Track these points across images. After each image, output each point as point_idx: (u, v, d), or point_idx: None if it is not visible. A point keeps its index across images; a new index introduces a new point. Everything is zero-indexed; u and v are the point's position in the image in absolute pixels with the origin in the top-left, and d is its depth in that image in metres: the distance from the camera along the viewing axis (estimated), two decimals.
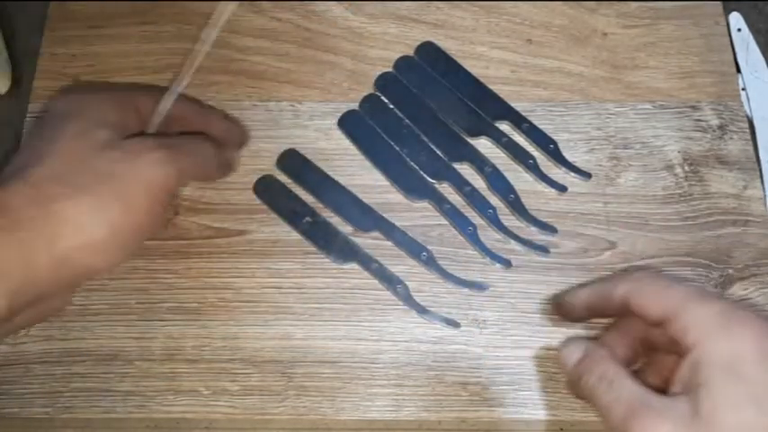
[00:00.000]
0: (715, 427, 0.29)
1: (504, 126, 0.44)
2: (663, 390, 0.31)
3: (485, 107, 0.44)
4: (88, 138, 0.33)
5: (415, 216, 0.42)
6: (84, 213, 0.31)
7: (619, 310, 0.35)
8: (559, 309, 0.39)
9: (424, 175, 0.43)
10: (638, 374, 0.34)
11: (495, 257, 0.41)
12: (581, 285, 0.38)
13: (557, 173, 0.43)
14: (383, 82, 0.45)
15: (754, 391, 0.29)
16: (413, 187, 0.42)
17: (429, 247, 0.41)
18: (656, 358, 0.35)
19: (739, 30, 0.47)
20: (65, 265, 0.31)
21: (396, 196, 0.42)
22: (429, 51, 0.46)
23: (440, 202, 0.42)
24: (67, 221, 0.31)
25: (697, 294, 0.32)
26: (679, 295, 0.32)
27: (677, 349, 0.31)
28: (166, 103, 0.37)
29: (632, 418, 0.30)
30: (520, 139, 0.44)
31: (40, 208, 0.30)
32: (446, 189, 0.42)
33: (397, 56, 0.46)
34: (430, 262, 0.40)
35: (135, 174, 0.32)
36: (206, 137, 0.38)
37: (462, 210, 0.42)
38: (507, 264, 0.41)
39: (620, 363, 0.33)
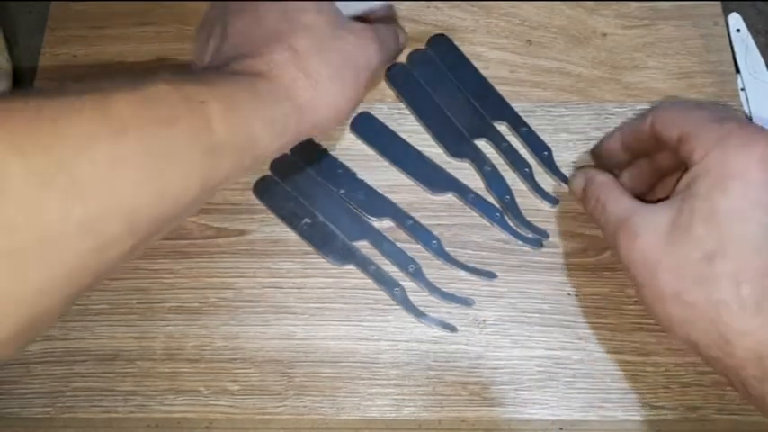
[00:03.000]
0: (687, 240, 0.30)
1: (503, 127, 0.44)
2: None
3: (487, 106, 0.44)
4: (326, 14, 0.35)
5: (426, 214, 0.42)
6: (338, 89, 0.34)
7: (650, 143, 0.36)
8: (599, 156, 0.41)
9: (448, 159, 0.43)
10: (657, 191, 0.37)
11: (525, 239, 0.41)
12: (611, 132, 0.40)
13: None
14: (395, 74, 0.45)
15: (738, 207, 0.30)
16: (434, 180, 0.43)
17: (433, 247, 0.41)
18: (671, 180, 0.36)
19: (738, 30, 0.47)
20: (316, 130, 0.34)
21: (399, 196, 0.42)
22: (441, 44, 0.46)
23: (463, 192, 0.42)
24: (327, 94, 0.34)
25: (713, 116, 0.33)
26: (697, 117, 0.33)
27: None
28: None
29: (617, 231, 0.33)
30: (518, 144, 0.44)
31: (310, 79, 0.33)
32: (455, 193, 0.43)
33: None
34: (417, 274, 0.40)
35: (365, 62, 0.36)
36: (386, 24, 0.40)
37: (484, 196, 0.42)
38: (538, 243, 0.41)
39: (620, 186, 0.36)
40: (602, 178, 0.37)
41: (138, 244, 0.26)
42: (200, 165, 0.28)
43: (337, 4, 0.37)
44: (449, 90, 0.45)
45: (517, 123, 0.44)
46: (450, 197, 0.42)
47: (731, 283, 0.30)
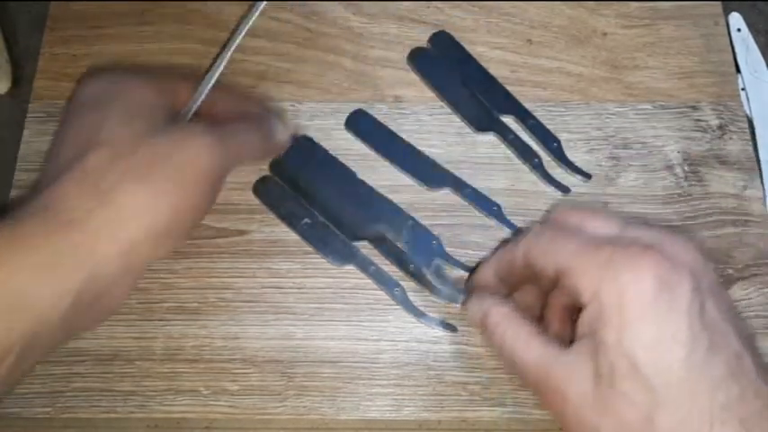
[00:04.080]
0: (617, 398, 0.27)
1: (510, 120, 0.44)
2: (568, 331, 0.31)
3: (493, 100, 0.44)
4: (134, 124, 0.32)
5: (425, 215, 0.42)
6: (143, 202, 0.30)
7: (527, 273, 0.33)
8: (476, 286, 0.37)
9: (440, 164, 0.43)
10: (543, 319, 0.34)
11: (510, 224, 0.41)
12: (485, 260, 0.37)
13: (557, 172, 0.43)
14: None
15: (655, 354, 0.27)
16: (430, 176, 0.43)
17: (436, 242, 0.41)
18: (560, 301, 0.34)
19: (739, 30, 0.47)
20: (128, 256, 0.30)
21: (399, 196, 0.42)
22: (443, 41, 0.46)
23: (461, 187, 0.42)
24: (128, 211, 0.30)
25: (584, 245, 0.30)
26: (568, 250, 0.30)
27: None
28: (204, 89, 0.37)
29: (541, 386, 0.30)
30: (525, 136, 0.44)
31: (99, 200, 0.30)
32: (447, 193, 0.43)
33: (397, 55, 0.46)
34: (417, 274, 0.40)
35: (188, 159, 0.32)
36: (248, 120, 0.38)
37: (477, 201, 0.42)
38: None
39: (524, 319, 0.32)
40: (503, 311, 0.33)
41: None
42: None
43: (182, 112, 0.35)
44: (453, 86, 0.45)
45: (524, 116, 0.44)
46: (446, 192, 0.42)
47: None
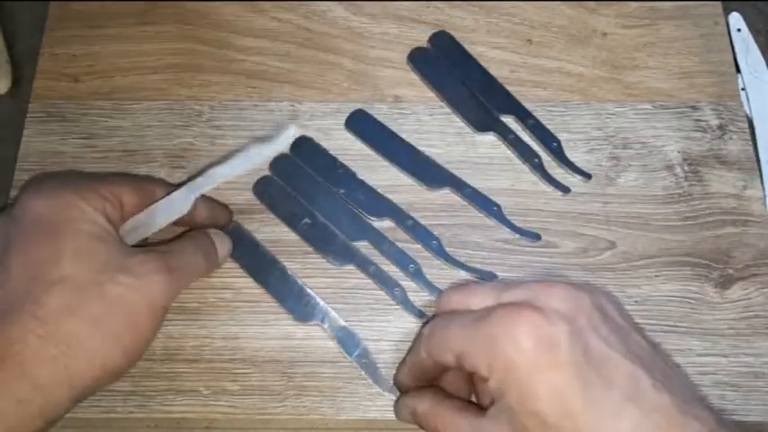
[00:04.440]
0: None
1: (510, 120, 0.44)
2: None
3: (492, 100, 0.44)
4: (89, 257, 0.31)
5: (425, 215, 0.42)
6: (102, 347, 0.31)
7: (438, 368, 0.34)
8: (398, 387, 0.37)
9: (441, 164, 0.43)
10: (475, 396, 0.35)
11: (524, 233, 0.41)
12: (402, 361, 0.37)
13: (557, 172, 0.43)
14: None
15: (554, 406, 0.28)
16: (430, 176, 0.43)
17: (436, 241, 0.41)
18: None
19: (739, 30, 0.47)
20: (79, 397, 0.31)
21: (399, 196, 0.42)
22: (443, 41, 0.46)
23: (461, 187, 0.42)
24: (86, 356, 0.31)
25: (468, 327, 0.31)
26: (457, 337, 0.31)
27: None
28: (158, 220, 0.36)
29: None
30: (525, 136, 0.44)
31: (59, 346, 0.30)
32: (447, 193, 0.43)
33: (397, 55, 0.46)
34: (417, 274, 0.40)
35: (143, 299, 0.32)
36: (196, 240, 0.37)
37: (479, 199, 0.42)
38: (537, 237, 0.41)
39: (448, 402, 0.33)
40: (426, 405, 0.34)
41: None
42: None
43: (122, 228, 0.34)
44: (453, 85, 0.45)
45: (524, 116, 0.44)
46: (446, 192, 0.42)
47: None
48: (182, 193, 0.37)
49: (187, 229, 0.39)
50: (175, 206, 0.37)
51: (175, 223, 0.37)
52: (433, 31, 0.46)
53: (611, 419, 0.28)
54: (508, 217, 0.42)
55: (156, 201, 0.37)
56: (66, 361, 0.30)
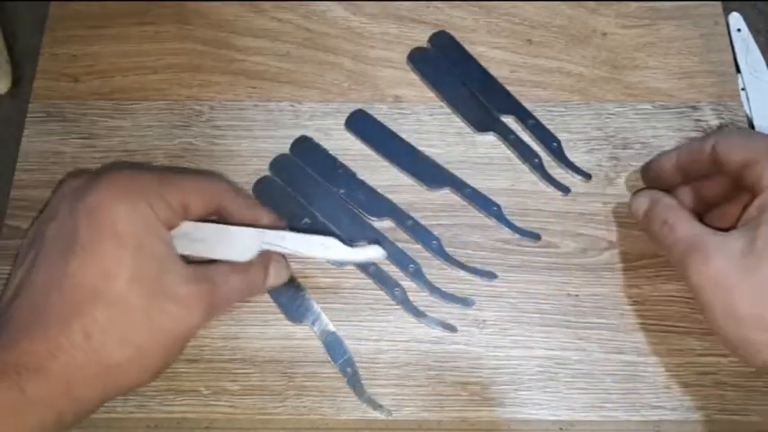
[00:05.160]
0: (764, 265, 0.30)
1: (510, 120, 0.44)
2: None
3: (492, 100, 0.44)
4: (146, 280, 0.31)
5: (425, 215, 0.42)
6: (137, 372, 0.32)
7: (707, 163, 0.36)
8: (649, 173, 0.41)
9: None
10: (705, 221, 0.36)
11: (524, 233, 0.41)
12: (667, 151, 0.40)
13: (557, 172, 0.43)
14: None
15: None
16: (430, 176, 0.43)
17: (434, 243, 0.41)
18: (727, 208, 0.37)
19: (739, 30, 0.47)
20: (92, 411, 0.32)
21: (399, 196, 0.42)
22: (443, 41, 0.46)
23: (461, 187, 0.42)
24: (122, 378, 0.32)
25: None
26: (763, 144, 0.33)
27: (752, 196, 0.33)
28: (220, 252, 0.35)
29: (688, 255, 0.33)
30: (525, 136, 0.44)
31: (100, 366, 0.30)
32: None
33: (397, 55, 0.46)
34: (417, 274, 0.40)
35: (184, 331, 0.33)
36: (249, 274, 0.36)
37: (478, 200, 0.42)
38: (537, 237, 0.41)
39: (686, 209, 0.36)
40: (669, 200, 0.37)
41: None
42: None
43: (179, 243, 0.33)
44: (453, 85, 0.45)
45: (524, 116, 0.44)
46: (446, 192, 0.42)
47: None
48: (250, 236, 0.35)
49: None
50: (237, 249, 0.35)
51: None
52: (433, 30, 0.46)
53: None
54: (508, 217, 0.42)
55: (222, 204, 0.35)
56: (105, 380, 0.31)
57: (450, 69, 0.45)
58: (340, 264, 0.41)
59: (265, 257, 0.37)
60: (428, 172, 0.43)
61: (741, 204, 0.34)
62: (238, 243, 0.35)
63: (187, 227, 0.35)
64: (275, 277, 0.38)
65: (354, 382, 0.38)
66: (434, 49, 0.46)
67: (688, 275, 0.33)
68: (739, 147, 0.34)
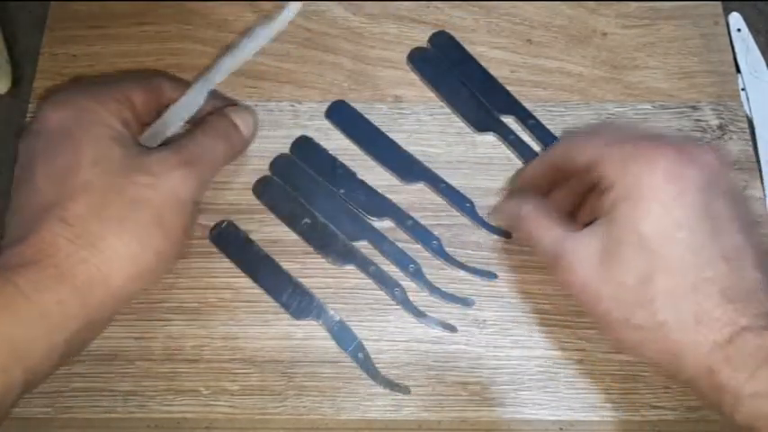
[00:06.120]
0: (618, 266, 0.31)
1: (510, 120, 0.44)
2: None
3: (492, 100, 0.44)
4: (109, 161, 0.32)
5: (425, 215, 0.42)
6: (130, 246, 0.32)
7: (561, 174, 0.37)
8: (522, 180, 0.41)
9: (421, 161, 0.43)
10: (575, 216, 0.38)
11: (495, 231, 0.41)
12: (521, 170, 0.41)
13: None
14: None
15: (659, 230, 0.30)
16: (406, 169, 0.43)
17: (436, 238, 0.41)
18: (594, 199, 0.37)
19: (739, 30, 0.47)
20: (119, 298, 0.32)
21: (399, 196, 0.42)
22: (442, 41, 0.46)
23: (436, 182, 0.42)
24: (117, 257, 0.31)
25: (615, 138, 0.33)
26: (600, 142, 0.34)
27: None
28: (174, 119, 0.36)
29: (554, 265, 0.34)
30: (525, 136, 0.44)
31: (89, 248, 0.30)
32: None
33: (397, 55, 0.46)
34: (417, 274, 0.40)
35: (166, 196, 0.33)
36: (211, 124, 0.37)
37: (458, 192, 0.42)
38: (508, 236, 0.41)
39: (547, 210, 0.36)
40: (527, 209, 0.37)
41: None
42: None
43: (144, 136, 0.34)
44: (453, 85, 0.45)
45: (524, 116, 0.44)
46: (421, 187, 0.42)
47: (668, 303, 0.30)
48: (195, 90, 0.36)
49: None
50: (190, 105, 0.36)
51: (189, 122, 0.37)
52: (433, 30, 0.46)
53: (700, 264, 0.30)
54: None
55: (166, 95, 0.36)
56: (98, 262, 0.31)
57: (449, 69, 0.45)
58: (335, 263, 0.41)
59: (223, 111, 0.38)
60: (404, 166, 0.43)
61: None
62: (189, 102, 0.36)
63: (147, 132, 0.36)
64: (243, 122, 0.38)
65: (368, 366, 0.38)
66: (434, 49, 0.46)
67: (561, 283, 0.34)
68: (579, 151, 0.35)
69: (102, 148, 0.32)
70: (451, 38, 0.46)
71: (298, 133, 0.44)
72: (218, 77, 0.37)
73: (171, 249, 0.33)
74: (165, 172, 0.33)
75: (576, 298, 0.33)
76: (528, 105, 0.44)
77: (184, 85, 0.38)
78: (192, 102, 0.36)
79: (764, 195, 0.42)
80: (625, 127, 0.37)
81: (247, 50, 0.37)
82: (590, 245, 0.32)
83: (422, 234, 0.41)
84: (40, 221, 0.31)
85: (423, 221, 0.42)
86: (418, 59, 0.45)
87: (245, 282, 0.41)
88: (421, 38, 0.46)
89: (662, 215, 0.30)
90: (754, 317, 0.29)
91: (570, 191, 0.38)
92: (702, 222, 0.30)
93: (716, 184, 0.32)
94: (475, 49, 0.46)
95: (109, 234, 0.31)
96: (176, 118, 0.36)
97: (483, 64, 0.45)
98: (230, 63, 0.37)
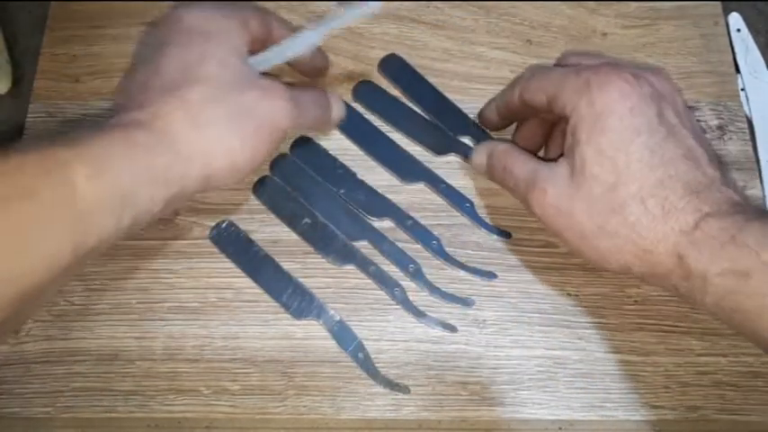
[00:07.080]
0: (587, 181, 0.33)
1: (467, 140, 0.44)
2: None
3: (448, 121, 0.44)
4: (232, 69, 0.34)
5: (425, 215, 0.42)
6: (230, 142, 0.33)
7: (525, 110, 0.38)
8: (482, 120, 0.43)
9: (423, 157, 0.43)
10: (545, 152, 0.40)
11: (494, 230, 0.42)
12: (491, 99, 0.42)
13: None
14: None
15: (618, 139, 0.32)
16: (406, 169, 0.43)
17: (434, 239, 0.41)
18: (559, 135, 0.39)
19: (738, 30, 0.47)
20: (209, 181, 0.33)
21: (399, 196, 0.42)
22: (392, 65, 0.46)
23: (435, 182, 0.42)
24: (218, 147, 0.33)
25: (572, 71, 0.35)
26: (557, 77, 0.35)
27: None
28: (282, 53, 0.37)
29: (528, 191, 0.35)
30: None
31: (198, 129, 0.32)
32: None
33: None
34: (417, 274, 0.40)
35: (269, 116, 0.35)
36: (315, 92, 0.39)
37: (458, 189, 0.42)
38: (508, 235, 0.41)
39: (521, 150, 0.38)
40: (503, 147, 0.38)
41: (7, 317, 0.26)
42: (70, 232, 0.27)
43: (252, 59, 0.36)
44: (405, 113, 0.44)
45: (480, 136, 0.43)
46: (421, 187, 0.43)
47: (637, 202, 0.32)
48: (302, 36, 0.37)
49: None
50: (296, 47, 0.37)
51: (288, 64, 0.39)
52: (433, 31, 0.46)
53: (661, 163, 0.32)
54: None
55: (274, 33, 0.38)
56: (204, 143, 0.32)
57: (396, 100, 0.45)
58: (335, 263, 0.41)
59: (326, 94, 0.40)
60: (404, 166, 0.43)
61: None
62: (301, 41, 0.37)
63: (260, 56, 0.37)
64: (337, 106, 0.40)
65: (368, 366, 0.39)
66: (385, 73, 0.45)
67: (533, 210, 0.35)
68: (539, 88, 0.36)
69: (227, 53, 0.34)
70: (402, 60, 0.45)
71: (298, 133, 0.44)
72: (324, 30, 0.38)
73: (258, 157, 0.35)
74: (273, 97, 0.35)
75: (550, 223, 0.35)
76: None
77: (291, 28, 0.40)
78: (297, 45, 0.37)
79: (764, 195, 0.42)
80: (583, 54, 0.38)
81: (348, 19, 0.38)
82: (561, 168, 0.34)
83: (422, 234, 0.41)
84: (160, 97, 0.33)
85: (423, 221, 0.42)
86: (363, 93, 0.45)
87: (245, 282, 0.41)
88: (421, 38, 0.46)
89: (620, 126, 0.32)
90: (716, 204, 0.31)
91: (535, 127, 0.40)
92: (659, 127, 0.33)
93: (667, 99, 0.34)
94: (475, 50, 0.46)
95: (218, 124, 0.33)
96: (281, 56, 0.37)
97: (483, 64, 0.45)
98: (333, 24, 0.38)
